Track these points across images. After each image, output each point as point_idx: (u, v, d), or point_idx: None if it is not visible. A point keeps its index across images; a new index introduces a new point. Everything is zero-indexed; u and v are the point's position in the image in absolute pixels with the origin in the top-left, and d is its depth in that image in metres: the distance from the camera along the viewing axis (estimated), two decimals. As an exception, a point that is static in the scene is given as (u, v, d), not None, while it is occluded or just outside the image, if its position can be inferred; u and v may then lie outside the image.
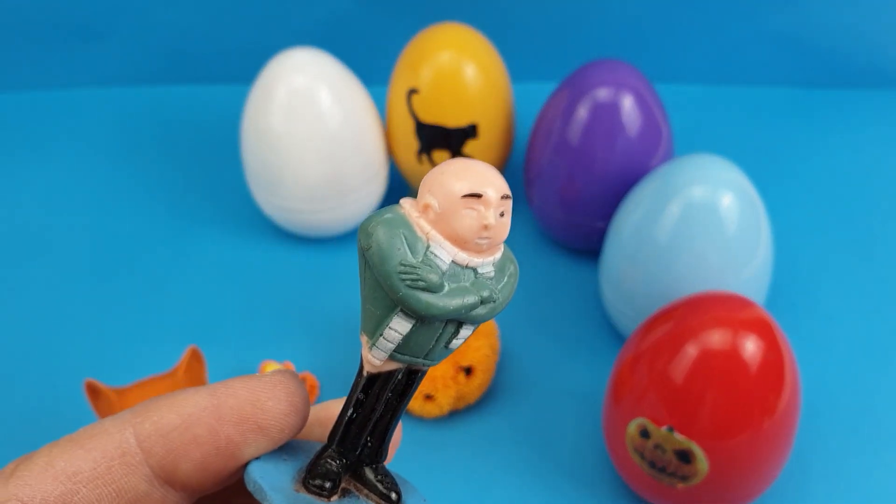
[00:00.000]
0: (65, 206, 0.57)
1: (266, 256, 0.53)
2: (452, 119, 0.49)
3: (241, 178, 0.54)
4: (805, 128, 0.61)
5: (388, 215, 0.16)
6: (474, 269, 0.17)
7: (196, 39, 0.63)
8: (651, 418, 0.35)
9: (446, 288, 0.16)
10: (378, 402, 0.18)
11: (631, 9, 0.61)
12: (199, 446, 0.17)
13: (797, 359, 0.36)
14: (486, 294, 0.17)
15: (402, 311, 0.16)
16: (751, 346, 0.34)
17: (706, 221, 0.40)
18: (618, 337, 0.47)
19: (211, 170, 0.58)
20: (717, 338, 0.34)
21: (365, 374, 0.18)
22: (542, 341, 0.48)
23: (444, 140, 0.50)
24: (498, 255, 0.17)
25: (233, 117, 0.55)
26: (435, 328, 0.17)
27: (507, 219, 0.17)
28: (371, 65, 0.54)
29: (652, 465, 0.36)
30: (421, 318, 0.16)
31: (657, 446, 0.36)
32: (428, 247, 0.16)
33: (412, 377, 0.18)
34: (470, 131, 0.49)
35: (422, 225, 0.16)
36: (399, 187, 0.56)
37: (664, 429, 0.35)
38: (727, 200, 0.40)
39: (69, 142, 0.62)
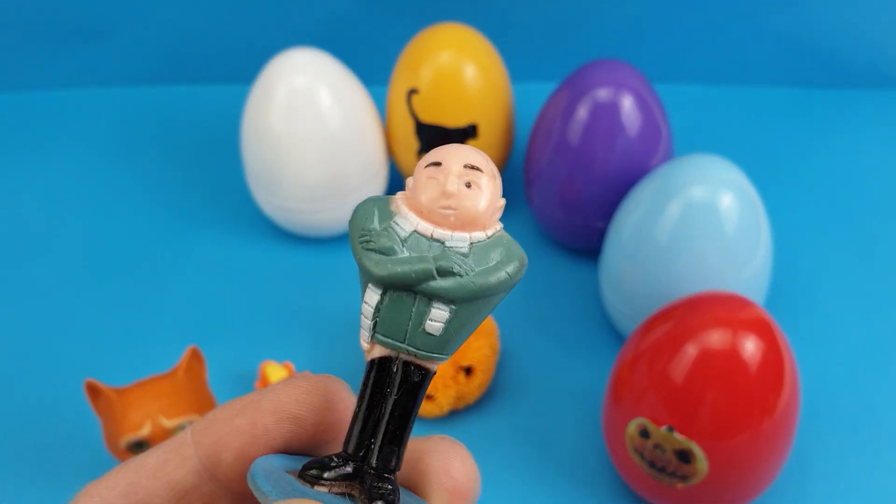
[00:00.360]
0: (65, 206, 0.57)
1: (266, 256, 0.53)
2: (452, 119, 0.49)
3: (241, 178, 0.54)
4: (805, 128, 0.61)
5: (372, 196, 0.18)
6: (442, 242, 0.17)
7: (196, 39, 0.63)
8: (651, 418, 0.35)
9: (404, 254, 0.17)
10: (379, 397, 0.17)
11: (631, 9, 0.61)
12: (238, 436, 0.18)
13: (797, 359, 0.36)
14: (445, 264, 0.16)
15: (371, 282, 0.17)
16: (750, 346, 0.34)
17: (706, 221, 0.40)
18: (618, 337, 0.47)
19: (211, 170, 0.58)
20: (716, 338, 0.34)
21: (366, 362, 0.18)
22: (542, 341, 0.48)
23: (444, 140, 0.50)
24: (478, 233, 0.17)
25: (233, 117, 0.55)
26: (404, 303, 0.17)
27: (477, 191, 0.17)
28: (371, 65, 0.54)
29: (652, 465, 0.36)
30: (380, 283, 0.17)
31: (657, 446, 0.36)
32: (393, 217, 0.17)
33: (406, 370, 0.17)
34: (470, 131, 0.49)
35: (396, 201, 0.17)
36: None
37: (664, 429, 0.35)
38: (727, 200, 0.40)
39: (69, 142, 0.62)
